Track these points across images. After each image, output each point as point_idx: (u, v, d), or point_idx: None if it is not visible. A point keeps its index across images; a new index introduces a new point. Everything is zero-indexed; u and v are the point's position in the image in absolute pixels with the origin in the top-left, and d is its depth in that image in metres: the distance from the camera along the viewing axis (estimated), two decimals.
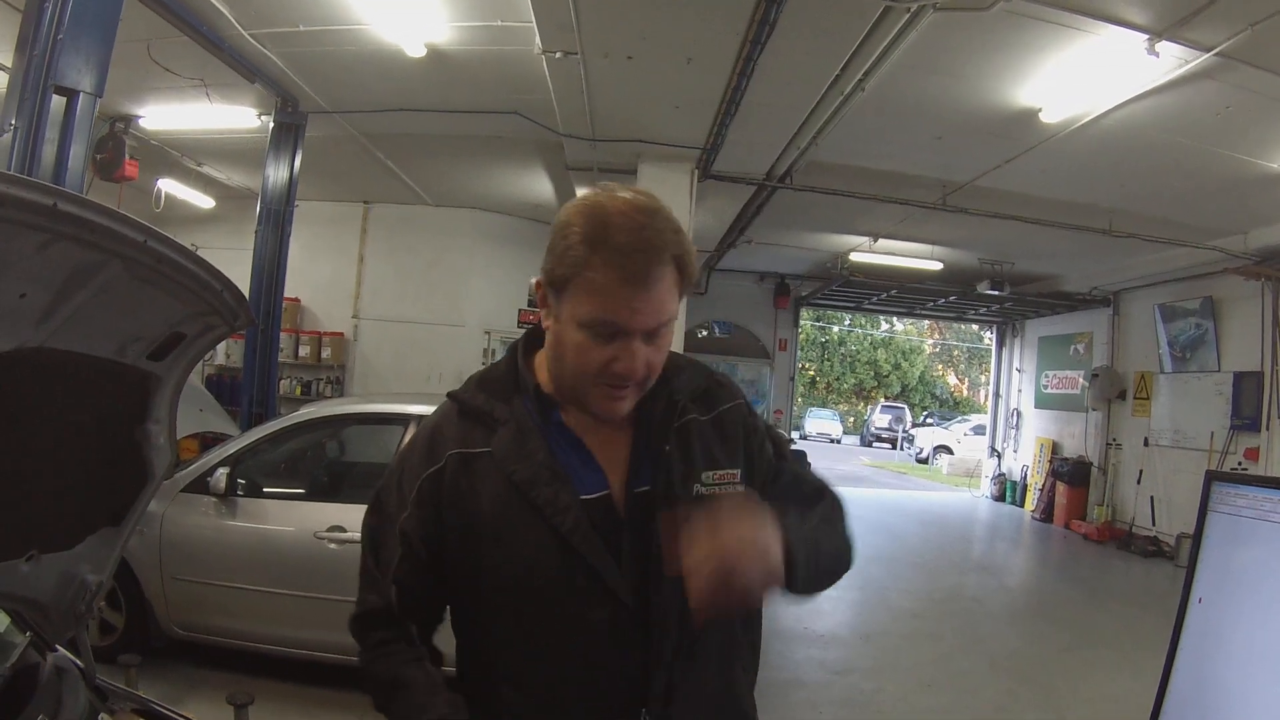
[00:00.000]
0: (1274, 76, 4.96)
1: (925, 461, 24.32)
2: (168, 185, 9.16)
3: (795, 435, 15.56)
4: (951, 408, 33.93)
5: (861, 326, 34.54)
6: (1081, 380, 12.49)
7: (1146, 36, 4.65)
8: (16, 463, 1.45)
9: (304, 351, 10.58)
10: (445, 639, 1.32)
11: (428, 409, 4.32)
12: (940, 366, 38.34)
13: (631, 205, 1.15)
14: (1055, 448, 12.96)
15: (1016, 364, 15.00)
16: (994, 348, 16.33)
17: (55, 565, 1.66)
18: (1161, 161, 6.61)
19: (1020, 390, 14.80)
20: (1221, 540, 1.30)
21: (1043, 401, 13.85)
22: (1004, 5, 4.40)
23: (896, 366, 35.51)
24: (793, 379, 15.38)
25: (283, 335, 8.55)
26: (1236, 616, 1.23)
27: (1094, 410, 11.97)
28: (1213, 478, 1.33)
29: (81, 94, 3.50)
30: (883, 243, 10.70)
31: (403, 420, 4.33)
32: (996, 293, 11.67)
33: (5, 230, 1.08)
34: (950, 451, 22.56)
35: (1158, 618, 6.42)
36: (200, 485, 4.32)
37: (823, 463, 17.47)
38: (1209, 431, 9.53)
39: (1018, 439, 14.59)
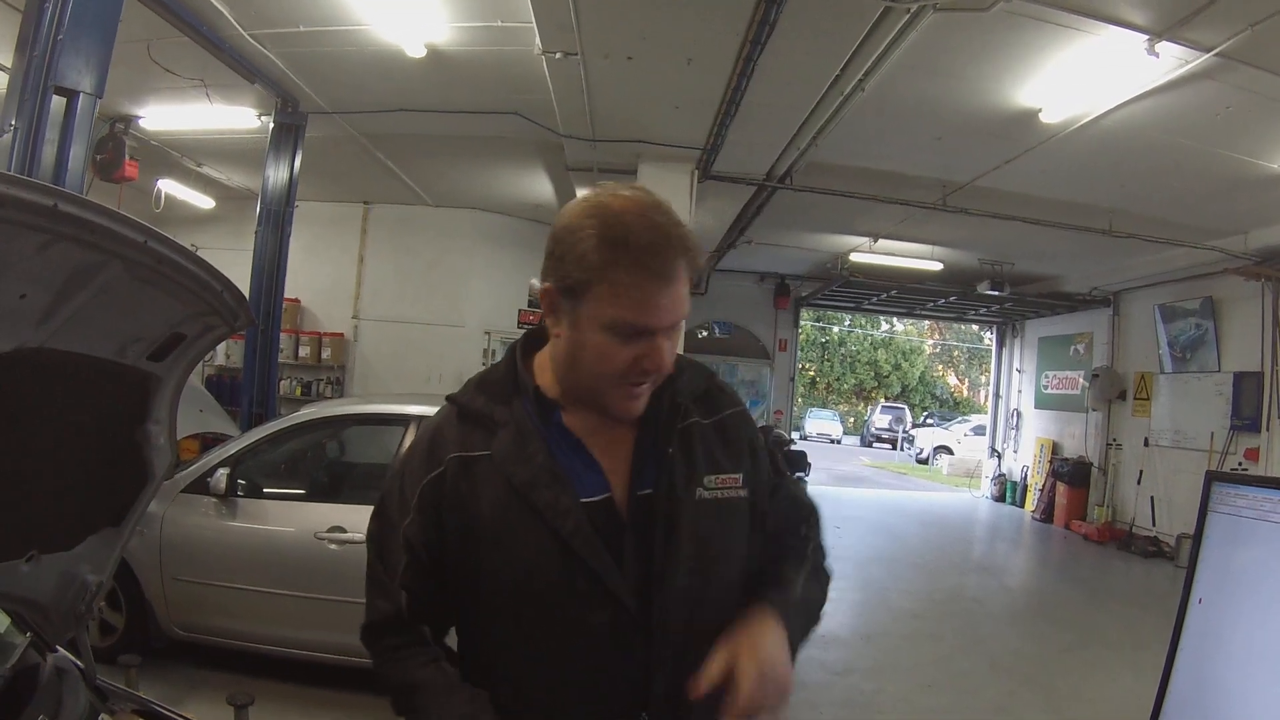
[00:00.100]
0: (1274, 77, 4.96)
1: (925, 462, 24.32)
2: (168, 186, 9.16)
3: (795, 436, 15.54)
4: (952, 408, 33.94)
5: (861, 327, 34.55)
6: (1082, 381, 12.49)
7: (1146, 37, 4.65)
8: (17, 463, 1.45)
9: (304, 352, 10.58)
10: (451, 639, 1.32)
11: (428, 410, 4.33)
12: (940, 367, 38.34)
13: (639, 203, 1.15)
14: (1055, 448, 12.96)
15: (1017, 364, 15.00)
16: (994, 348, 16.33)
17: (55, 566, 1.66)
18: (1161, 162, 6.61)
19: (1020, 391, 14.80)
20: (1221, 540, 1.30)
21: (1043, 402, 13.85)
22: (1004, 6, 4.40)
23: (896, 367, 35.52)
24: (793, 379, 15.37)
25: (283, 336, 8.55)
26: (1236, 617, 1.23)
27: (1094, 410, 11.97)
28: (1213, 478, 1.34)
29: (81, 94, 3.51)
30: (883, 243, 10.70)
31: (403, 421, 4.33)
32: (996, 293, 11.68)
33: (6, 231, 1.08)
34: (950, 452, 22.58)
35: (1158, 618, 6.42)
36: (200, 486, 4.31)
37: (823, 463, 17.49)
38: (1209, 432, 9.52)
39: (1018, 439, 14.59)
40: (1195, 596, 1.30)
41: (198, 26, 5.47)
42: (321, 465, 5.05)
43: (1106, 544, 10.72)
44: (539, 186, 9.38)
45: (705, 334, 14.29)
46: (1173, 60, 4.85)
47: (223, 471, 4.29)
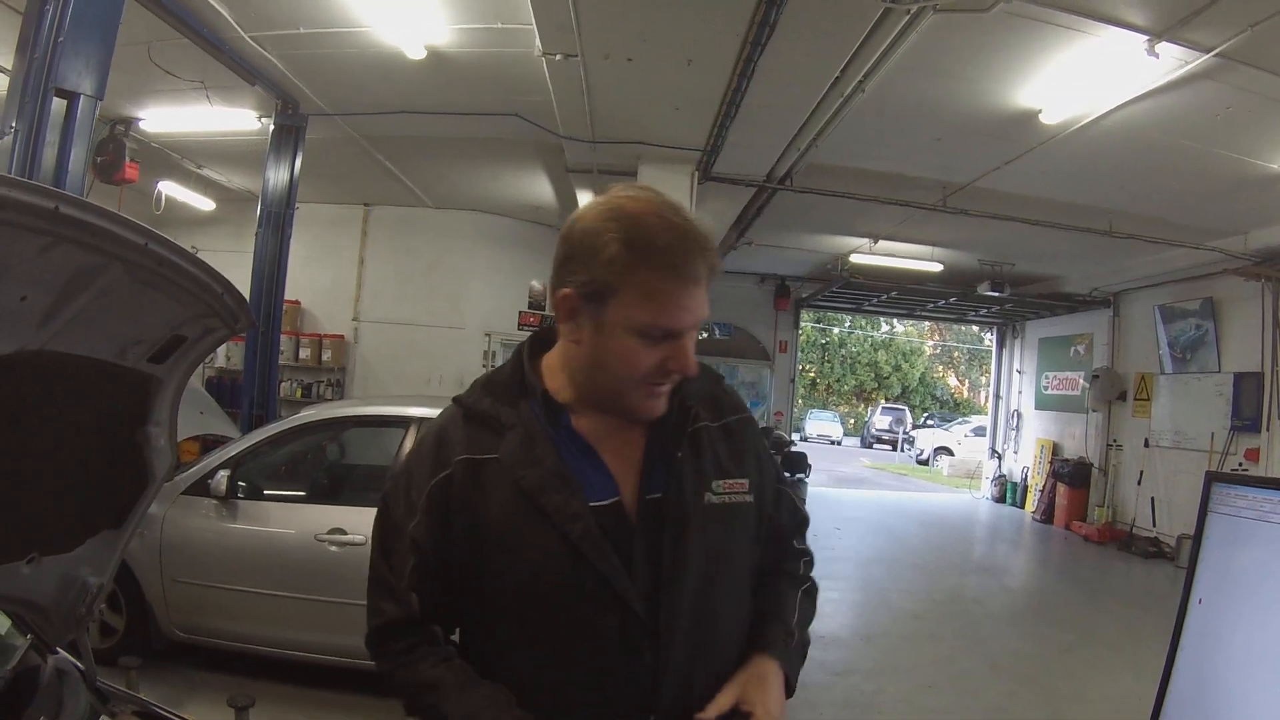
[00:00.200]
0: (1274, 77, 4.96)
1: (926, 463, 24.33)
2: (168, 188, 9.16)
3: (795, 437, 15.53)
4: (952, 409, 33.93)
5: (862, 328, 34.55)
6: (1082, 381, 12.49)
7: (1146, 38, 4.65)
8: (18, 465, 1.45)
9: (304, 354, 10.58)
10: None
11: (428, 411, 4.33)
12: (940, 368, 38.33)
13: (657, 204, 1.16)
14: (1056, 449, 12.96)
15: (1017, 365, 15.00)
16: (994, 349, 16.32)
17: (56, 567, 1.66)
18: (1161, 162, 6.61)
19: (1020, 391, 14.80)
20: (1222, 541, 1.30)
21: (1043, 403, 13.85)
22: (1004, 6, 4.40)
23: (897, 368, 35.51)
24: (793, 381, 15.37)
25: (283, 338, 8.54)
26: (1236, 617, 1.24)
27: (1094, 411, 11.98)
28: (1213, 479, 1.34)
29: (82, 96, 3.51)
30: (883, 244, 10.69)
31: (403, 423, 4.33)
32: (997, 294, 11.67)
33: (7, 233, 1.08)
34: (951, 453, 22.59)
35: (1158, 618, 6.42)
36: (201, 488, 4.32)
37: (823, 465, 17.48)
38: (1209, 432, 9.52)
39: (1018, 440, 14.58)
40: (1195, 597, 1.30)
41: (198, 29, 5.47)
42: (322, 467, 5.05)
43: (1107, 545, 10.71)
44: (539, 188, 9.38)
45: (705, 335, 14.27)
46: (1173, 61, 4.85)
47: (223, 473, 4.29)
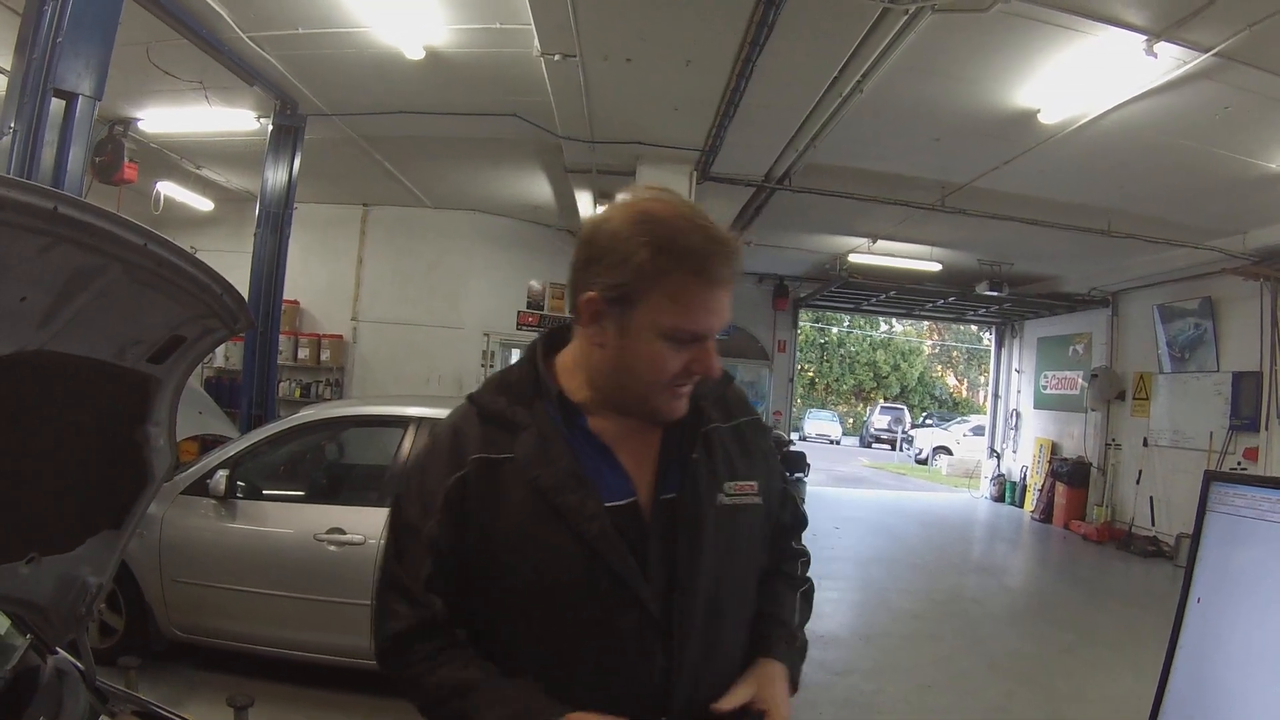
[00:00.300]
0: (1273, 76, 4.96)
1: (924, 462, 24.32)
2: (167, 188, 9.16)
3: (794, 436, 15.55)
4: (951, 408, 33.93)
5: (860, 328, 34.55)
6: (1080, 381, 12.49)
7: (1145, 37, 4.66)
8: (17, 465, 1.45)
9: (303, 354, 10.57)
10: None
11: (427, 411, 4.34)
12: (939, 367, 38.34)
13: (678, 207, 1.16)
14: (1054, 448, 12.97)
15: (1016, 365, 15.01)
16: (993, 348, 16.33)
17: (55, 567, 1.66)
18: (1160, 162, 6.61)
19: (1019, 391, 14.80)
20: (1220, 540, 1.30)
21: (1042, 402, 13.86)
22: (1002, 6, 4.40)
23: (895, 367, 35.52)
24: (792, 380, 15.37)
25: (282, 338, 8.55)
26: (1235, 616, 1.24)
27: (1093, 411, 11.98)
28: (1211, 478, 1.34)
29: (81, 97, 3.51)
30: (882, 244, 10.70)
31: (402, 423, 4.33)
32: (995, 294, 11.68)
33: (6, 234, 1.09)
34: (949, 452, 22.58)
35: (1157, 618, 6.42)
36: (200, 488, 4.31)
37: (822, 464, 17.48)
38: (1208, 432, 9.53)
39: (1017, 440, 14.59)
40: (1194, 596, 1.31)
41: (197, 29, 5.46)
42: (321, 467, 5.05)
43: (1105, 544, 10.72)
44: (538, 188, 9.38)
45: None
46: (1171, 60, 4.85)
47: (222, 473, 4.29)
